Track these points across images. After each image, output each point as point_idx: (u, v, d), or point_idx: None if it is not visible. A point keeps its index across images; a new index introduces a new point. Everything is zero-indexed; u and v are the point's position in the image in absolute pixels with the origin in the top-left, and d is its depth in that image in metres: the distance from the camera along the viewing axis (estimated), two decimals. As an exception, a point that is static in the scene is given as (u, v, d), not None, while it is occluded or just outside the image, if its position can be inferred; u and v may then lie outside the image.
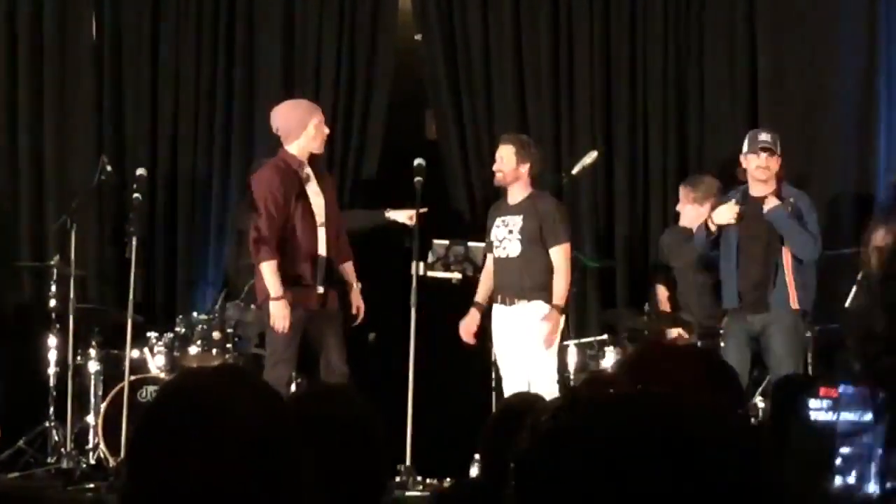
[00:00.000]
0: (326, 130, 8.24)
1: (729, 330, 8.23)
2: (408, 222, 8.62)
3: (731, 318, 8.23)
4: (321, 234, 8.12)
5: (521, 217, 8.45)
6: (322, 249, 8.10)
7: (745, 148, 8.32)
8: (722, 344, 8.21)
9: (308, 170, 8.14)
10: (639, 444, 1.40)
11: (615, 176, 9.87)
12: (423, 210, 8.42)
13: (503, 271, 8.47)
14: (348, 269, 8.36)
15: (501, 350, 8.49)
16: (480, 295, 8.67)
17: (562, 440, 1.44)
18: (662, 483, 1.39)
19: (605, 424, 1.43)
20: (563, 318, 8.42)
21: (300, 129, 8.16)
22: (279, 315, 7.91)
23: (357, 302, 8.34)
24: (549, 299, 8.35)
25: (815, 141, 9.67)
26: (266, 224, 8.00)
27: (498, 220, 8.56)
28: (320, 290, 8.11)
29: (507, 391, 8.21)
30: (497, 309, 8.53)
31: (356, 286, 8.35)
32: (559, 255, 8.43)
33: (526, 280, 8.40)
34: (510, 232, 8.46)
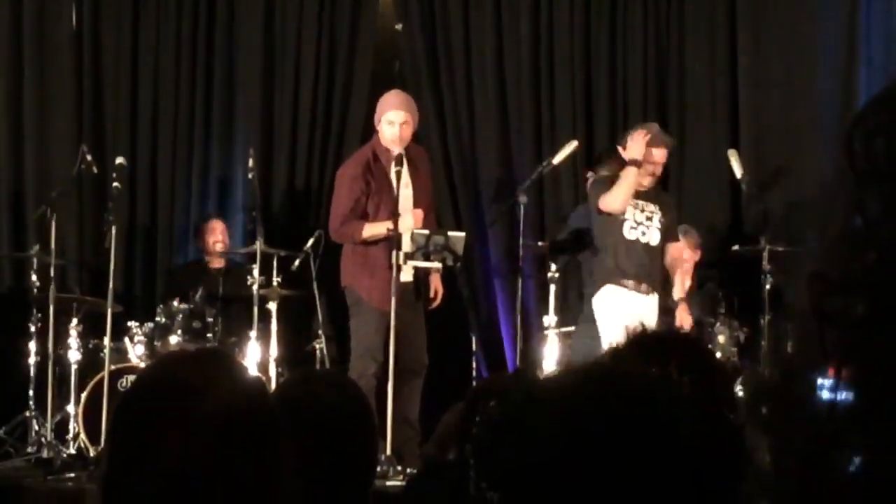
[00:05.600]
0: (394, 130, 7.97)
1: None
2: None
3: None
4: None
5: (659, 207, 8.35)
6: (406, 238, 7.94)
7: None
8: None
9: (398, 157, 7.93)
10: (565, 425, 1.45)
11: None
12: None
13: (643, 256, 8.26)
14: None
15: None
16: None
17: (498, 425, 1.51)
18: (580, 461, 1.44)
19: (536, 410, 1.48)
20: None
21: (377, 121, 8.16)
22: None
23: (436, 285, 8.29)
24: (662, 294, 8.31)
25: (795, 134, 9.69)
26: (336, 211, 8.09)
27: (632, 200, 8.30)
28: (405, 277, 8.00)
29: None
30: (629, 295, 8.23)
31: (436, 268, 8.19)
32: (679, 252, 8.52)
33: (659, 272, 8.36)
34: (648, 219, 8.31)
